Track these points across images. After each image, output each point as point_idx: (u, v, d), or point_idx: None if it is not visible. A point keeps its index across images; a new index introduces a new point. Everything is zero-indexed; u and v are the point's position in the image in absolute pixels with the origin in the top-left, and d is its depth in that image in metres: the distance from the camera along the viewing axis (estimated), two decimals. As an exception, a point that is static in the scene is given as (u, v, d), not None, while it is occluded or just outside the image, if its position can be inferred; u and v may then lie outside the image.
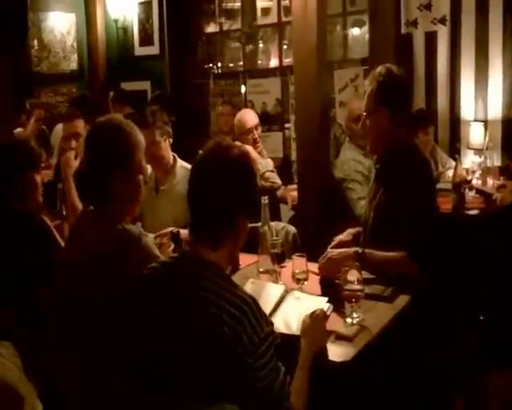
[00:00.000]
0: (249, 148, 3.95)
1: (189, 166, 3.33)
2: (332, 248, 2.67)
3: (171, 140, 3.34)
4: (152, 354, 1.63)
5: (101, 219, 2.14)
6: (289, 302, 2.19)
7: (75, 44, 7.16)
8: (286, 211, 4.70)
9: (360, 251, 2.44)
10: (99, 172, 2.13)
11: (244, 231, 1.74)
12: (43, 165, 2.88)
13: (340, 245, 2.71)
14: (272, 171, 4.14)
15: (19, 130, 5.50)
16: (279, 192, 4.52)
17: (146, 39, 6.91)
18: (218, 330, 1.51)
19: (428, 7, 4.99)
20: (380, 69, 2.62)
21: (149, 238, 2.88)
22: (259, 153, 4.34)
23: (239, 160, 1.70)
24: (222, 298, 1.55)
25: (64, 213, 3.40)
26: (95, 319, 2.06)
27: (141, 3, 6.90)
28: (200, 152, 1.75)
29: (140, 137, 2.23)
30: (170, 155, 3.38)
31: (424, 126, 4.68)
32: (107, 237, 2.09)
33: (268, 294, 2.22)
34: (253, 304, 1.57)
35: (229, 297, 1.56)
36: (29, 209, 2.64)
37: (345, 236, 2.84)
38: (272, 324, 1.67)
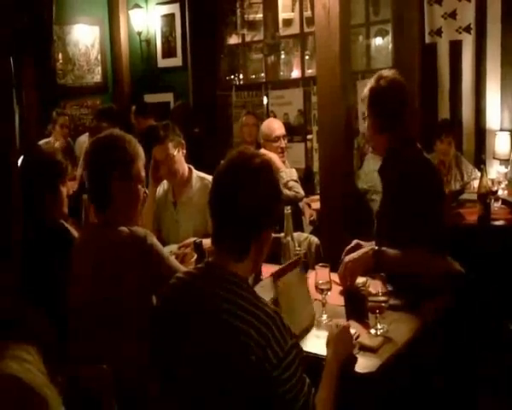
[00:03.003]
0: (274, 156, 3.95)
1: (205, 176, 3.33)
2: (348, 249, 2.64)
3: (184, 151, 3.34)
4: (177, 366, 1.62)
5: (105, 228, 2.21)
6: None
7: (99, 57, 7.26)
8: (306, 224, 4.68)
9: (377, 249, 2.41)
10: (100, 182, 2.23)
11: (268, 241, 1.71)
12: (68, 177, 2.90)
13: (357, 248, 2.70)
14: (296, 181, 4.12)
15: (45, 140, 5.57)
16: (300, 204, 4.50)
17: (169, 51, 6.97)
18: (244, 345, 1.49)
19: (453, 15, 4.94)
20: (375, 75, 2.64)
21: (173, 248, 2.92)
22: (283, 163, 4.34)
23: (263, 168, 1.67)
24: (246, 312, 1.54)
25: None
26: (114, 326, 2.08)
27: (164, 16, 6.98)
28: (222, 162, 1.72)
29: (139, 149, 2.30)
30: (185, 166, 3.37)
31: (440, 135, 4.64)
32: (113, 241, 2.15)
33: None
34: (276, 317, 1.55)
35: (253, 311, 1.54)
36: (56, 220, 2.67)
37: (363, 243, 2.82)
38: (296, 336, 1.64)
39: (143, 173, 2.32)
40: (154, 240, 2.19)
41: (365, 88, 2.66)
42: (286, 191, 3.93)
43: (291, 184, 4.07)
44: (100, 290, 2.12)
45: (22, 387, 1.23)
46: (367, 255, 2.40)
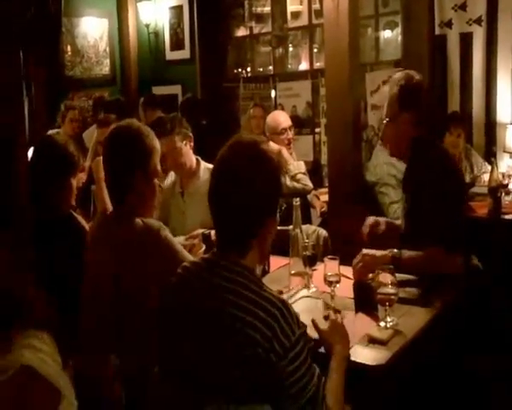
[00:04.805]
0: (281, 148, 3.93)
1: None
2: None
3: (191, 144, 3.34)
4: (181, 358, 1.61)
5: (119, 221, 2.20)
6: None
7: (107, 49, 7.26)
8: (316, 216, 4.67)
9: (397, 254, 2.40)
10: (122, 172, 2.22)
11: (272, 230, 1.67)
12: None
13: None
14: (304, 173, 4.10)
15: (55, 130, 5.57)
16: (308, 196, 4.48)
17: (177, 44, 6.97)
18: (250, 338, 1.48)
19: (463, 7, 4.90)
20: (399, 75, 2.62)
21: (180, 240, 2.91)
22: (290, 155, 4.32)
23: (259, 160, 1.62)
24: (253, 303, 1.52)
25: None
26: (119, 323, 2.08)
27: (172, 8, 6.96)
28: (219, 155, 1.66)
29: (156, 142, 2.30)
30: (192, 158, 3.37)
31: (449, 128, 4.61)
32: (129, 235, 2.14)
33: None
34: (283, 308, 1.53)
35: (260, 302, 1.53)
36: (65, 212, 2.68)
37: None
38: (305, 326, 1.63)
39: (159, 167, 2.32)
40: (167, 233, 2.18)
41: (387, 90, 2.64)
42: (294, 184, 3.91)
43: (299, 176, 4.05)
44: (111, 285, 2.10)
45: (36, 377, 1.23)
46: (386, 258, 2.38)
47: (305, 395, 1.52)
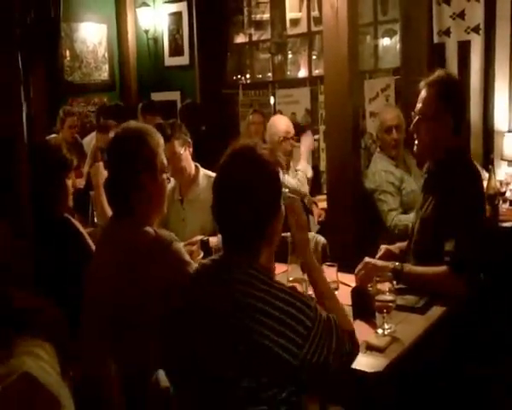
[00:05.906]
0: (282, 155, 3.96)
1: (212, 174, 3.31)
2: (379, 258, 2.63)
3: (191, 149, 3.35)
4: (201, 359, 1.60)
5: (131, 224, 2.17)
6: None
7: (106, 55, 7.28)
8: (314, 223, 4.68)
9: (398, 266, 2.39)
10: (128, 177, 2.18)
11: (277, 230, 1.71)
12: (74, 171, 2.90)
13: (387, 255, 2.67)
14: (307, 178, 4.17)
15: (52, 136, 5.58)
16: (307, 203, 4.49)
17: (176, 50, 6.98)
18: (263, 336, 1.50)
19: (462, 15, 4.91)
20: (440, 74, 2.54)
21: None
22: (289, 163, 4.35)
23: (259, 163, 1.66)
24: (266, 303, 1.53)
25: (95, 220, 3.42)
26: (123, 327, 2.07)
27: (171, 14, 6.98)
28: (221, 163, 1.69)
29: (159, 138, 2.28)
30: (192, 164, 3.38)
31: None
32: (138, 241, 2.12)
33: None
34: (293, 300, 1.56)
35: (272, 301, 1.54)
36: (61, 214, 2.67)
37: (394, 248, 2.77)
38: (312, 298, 1.66)
39: (166, 162, 2.30)
40: (179, 246, 2.16)
41: (422, 85, 2.53)
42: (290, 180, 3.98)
43: (300, 174, 4.11)
44: (118, 292, 2.09)
45: (36, 385, 1.23)
46: (387, 268, 2.37)
47: (329, 369, 1.59)
